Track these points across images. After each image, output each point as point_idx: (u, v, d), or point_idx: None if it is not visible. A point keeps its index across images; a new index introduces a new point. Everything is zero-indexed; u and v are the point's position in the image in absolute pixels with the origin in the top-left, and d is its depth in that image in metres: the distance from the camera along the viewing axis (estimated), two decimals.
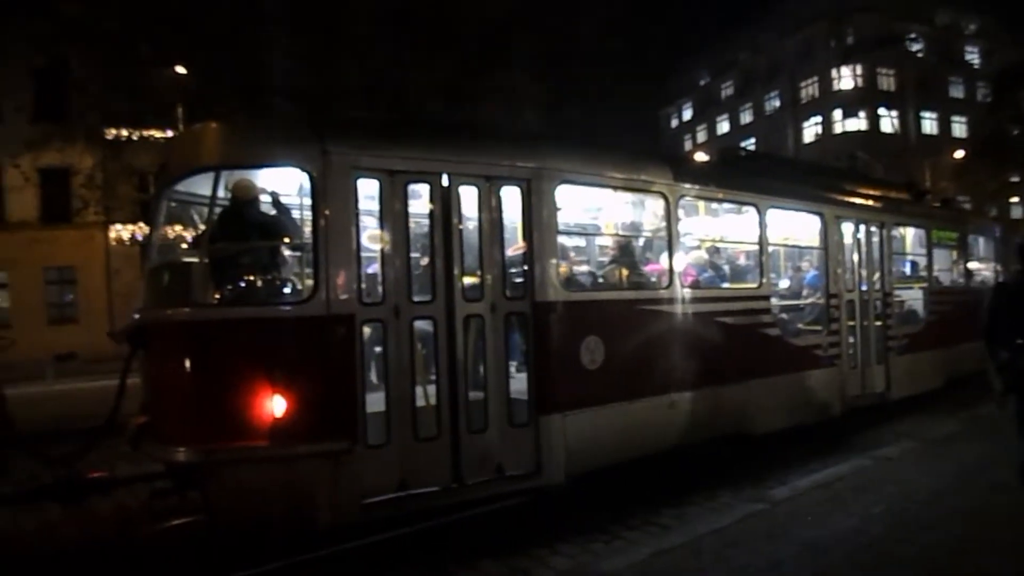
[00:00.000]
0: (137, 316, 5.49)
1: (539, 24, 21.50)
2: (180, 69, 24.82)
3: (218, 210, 5.13)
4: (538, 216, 6.00)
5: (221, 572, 4.80)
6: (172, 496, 5.47)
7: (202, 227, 5.40)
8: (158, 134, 26.70)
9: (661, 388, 6.83)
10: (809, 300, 9.39)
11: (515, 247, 6.09)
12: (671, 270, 7.07)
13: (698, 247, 8.19)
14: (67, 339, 24.86)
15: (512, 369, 5.91)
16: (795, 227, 9.52)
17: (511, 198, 5.96)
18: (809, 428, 8.48)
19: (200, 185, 5.53)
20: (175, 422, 4.99)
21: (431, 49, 20.39)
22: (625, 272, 7.17)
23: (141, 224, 28.09)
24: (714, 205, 8.35)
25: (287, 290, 5.25)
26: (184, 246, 5.71)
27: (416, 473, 5.29)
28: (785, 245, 9.83)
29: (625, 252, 7.26)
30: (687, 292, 7.18)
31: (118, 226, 28.08)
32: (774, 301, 8.56)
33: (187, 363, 4.91)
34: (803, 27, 49.54)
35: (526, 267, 5.97)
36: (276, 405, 4.81)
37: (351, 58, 21.11)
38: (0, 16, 22.90)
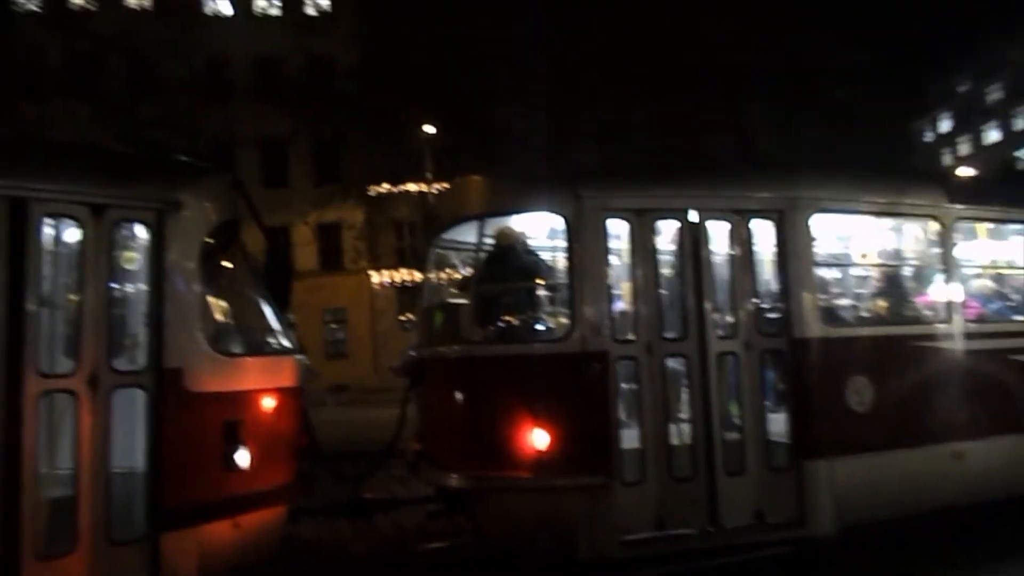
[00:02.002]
0: (413, 353, 6.13)
1: (772, 44, 20.65)
2: (430, 128, 27.63)
3: (483, 255, 5.59)
4: (793, 248, 5.73)
5: None
6: (443, 518, 5.94)
7: (467, 271, 5.92)
8: (413, 188, 29.80)
9: (943, 435, 6.07)
10: None
11: (769, 282, 5.87)
12: (949, 302, 6.32)
13: (980, 275, 7.23)
14: (340, 372, 28.14)
15: (769, 410, 5.65)
16: None
17: (763, 231, 5.77)
18: None
19: (464, 232, 6.07)
20: (448, 449, 5.46)
21: (657, 83, 20.51)
22: (893, 305, 6.55)
23: (401, 269, 31.38)
24: (998, 226, 7.34)
25: (544, 328, 5.54)
26: (453, 289, 6.27)
27: (672, 513, 5.23)
28: None
29: (892, 283, 6.64)
30: (971, 326, 6.36)
31: (382, 272, 31.59)
32: None
33: (457, 396, 5.37)
34: None
35: (782, 302, 5.71)
36: (538, 438, 5.07)
37: (579, 100, 21.93)
38: (290, 100, 27.30)
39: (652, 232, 5.52)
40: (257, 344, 5.23)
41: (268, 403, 5.02)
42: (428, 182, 29.73)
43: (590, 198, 5.33)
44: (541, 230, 5.92)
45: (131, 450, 4.60)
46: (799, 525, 5.44)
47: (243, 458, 4.83)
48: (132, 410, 4.62)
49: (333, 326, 32.66)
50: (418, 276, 31.60)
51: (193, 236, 4.78)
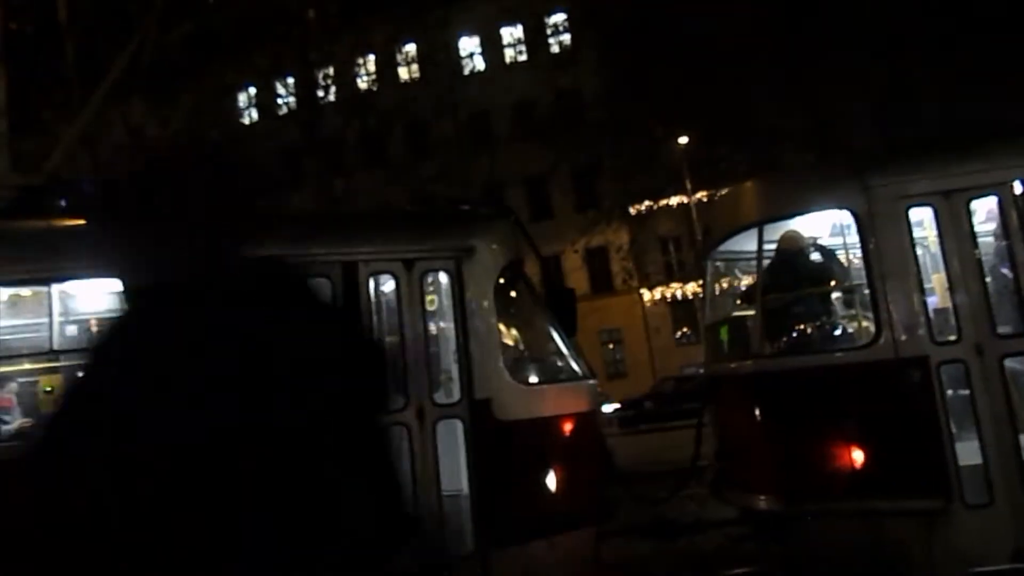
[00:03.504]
0: (702, 371, 6.00)
1: None
2: (683, 139, 27.21)
3: (766, 263, 5.32)
4: None
5: None
6: (750, 542, 5.68)
7: (751, 282, 5.67)
8: (674, 202, 29.52)
9: None
10: None
11: None
12: None
13: None
14: (621, 391, 28.53)
15: None
16: None
17: None
18: None
19: (742, 242, 5.84)
20: (751, 470, 5.23)
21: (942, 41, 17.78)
22: None
23: (671, 284, 31.14)
24: None
25: (842, 335, 5.10)
26: (737, 301, 6.05)
27: None
28: None
29: None
30: None
31: (653, 289, 31.57)
32: None
33: (755, 414, 5.12)
34: None
35: None
36: (853, 457, 4.65)
37: (844, 81, 19.79)
38: (546, 136, 28.76)
39: (966, 213, 4.81)
40: (553, 372, 5.53)
41: (569, 428, 5.27)
42: (689, 194, 29.24)
43: (882, 186, 4.82)
44: (825, 229, 5.48)
45: (457, 475, 5.11)
46: None
47: (552, 481, 5.11)
48: (454, 439, 5.15)
49: (610, 346, 33.21)
50: (688, 290, 31.04)
51: (487, 277, 5.24)
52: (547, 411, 5.24)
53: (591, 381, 5.59)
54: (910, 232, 4.80)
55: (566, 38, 34.33)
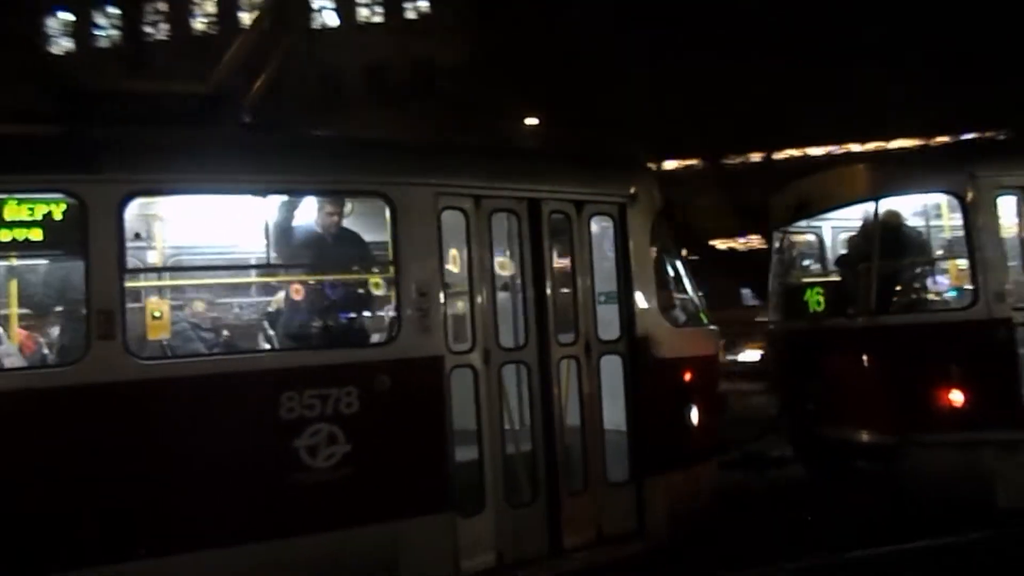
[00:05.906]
0: (772, 326, 6.75)
1: None
2: (532, 120, 27.98)
3: (870, 235, 6.15)
4: None
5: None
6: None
7: (849, 251, 6.51)
8: None
9: None
10: None
11: None
12: None
13: None
14: None
15: None
16: None
17: None
18: None
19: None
20: (857, 409, 6.07)
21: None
22: None
23: None
24: None
25: (944, 298, 6.13)
26: (841, 267, 6.84)
27: None
28: None
29: None
30: None
31: None
32: None
33: (864, 361, 5.99)
34: None
35: None
36: (954, 397, 5.65)
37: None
38: (396, 102, 27.93)
39: None
40: (689, 316, 5.90)
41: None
42: None
43: (985, 178, 5.86)
44: (917, 208, 6.47)
45: (617, 406, 5.31)
46: None
47: (693, 415, 5.52)
48: (614, 373, 5.33)
49: None
50: None
51: (646, 222, 5.46)
52: (690, 352, 5.61)
53: (713, 327, 6.05)
54: (999, 217, 5.90)
55: (424, 5, 33.82)
